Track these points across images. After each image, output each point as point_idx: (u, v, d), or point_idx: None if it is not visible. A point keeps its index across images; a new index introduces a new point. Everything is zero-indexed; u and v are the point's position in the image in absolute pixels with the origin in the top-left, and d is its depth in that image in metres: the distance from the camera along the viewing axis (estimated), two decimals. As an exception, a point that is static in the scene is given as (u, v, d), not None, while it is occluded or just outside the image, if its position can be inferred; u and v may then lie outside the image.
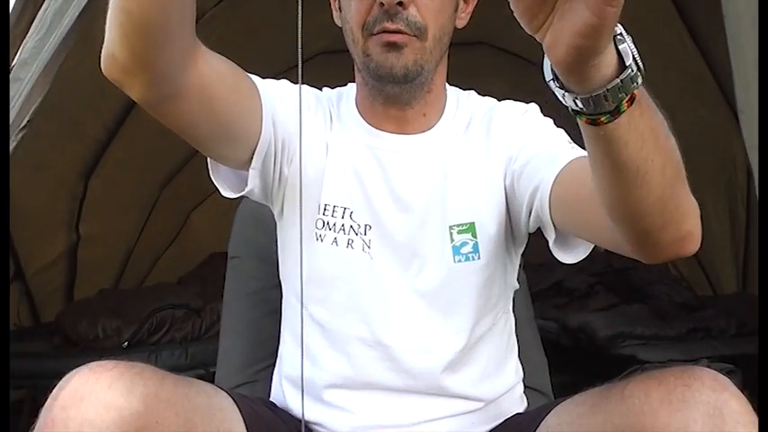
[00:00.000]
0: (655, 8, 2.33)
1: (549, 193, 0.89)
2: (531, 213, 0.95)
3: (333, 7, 1.03)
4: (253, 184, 0.96)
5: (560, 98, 0.62)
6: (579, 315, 2.38)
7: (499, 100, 1.09)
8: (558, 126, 1.02)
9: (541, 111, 1.06)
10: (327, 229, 0.99)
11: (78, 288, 2.73)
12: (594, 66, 0.58)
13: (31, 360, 2.10)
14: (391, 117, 1.02)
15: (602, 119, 0.62)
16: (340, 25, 1.01)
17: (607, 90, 0.60)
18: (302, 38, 0.69)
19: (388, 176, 1.01)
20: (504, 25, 2.77)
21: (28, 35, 1.56)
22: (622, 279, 2.76)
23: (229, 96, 0.87)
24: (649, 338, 2.17)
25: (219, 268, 3.39)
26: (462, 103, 1.06)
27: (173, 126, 0.86)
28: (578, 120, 0.64)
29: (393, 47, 0.94)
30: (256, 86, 0.92)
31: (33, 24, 1.56)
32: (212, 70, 0.84)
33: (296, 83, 0.91)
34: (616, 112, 0.61)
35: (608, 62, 0.59)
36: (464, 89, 1.10)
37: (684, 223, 0.73)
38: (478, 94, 1.10)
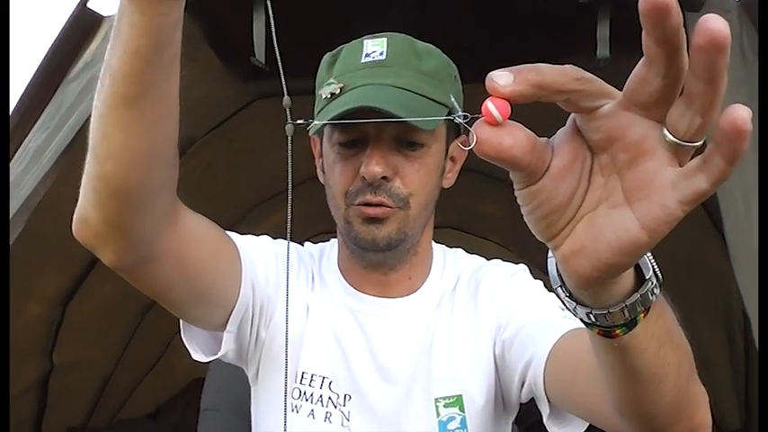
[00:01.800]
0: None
1: (543, 368, 0.83)
2: (523, 386, 0.89)
3: (317, 164, 1.01)
4: (227, 347, 0.91)
5: (570, 310, 0.55)
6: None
7: (487, 258, 1.06)
8: (549, 290, 0.97)
9: (530, 270, 1.02)
10: (304, 399, 0.94)
11: (48, 419, 2.59)
12: (616, 280, 0.50)
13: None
14: (374, 281, 0.98)
15: (617, 332, 0.54)
16: (323, 183, 0.99)
17: (626, 305, 0.52)
18: (291, 210, 0.65)
19: (371, 343, 0.96)
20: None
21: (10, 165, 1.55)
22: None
23: (208, 260, 0.84)
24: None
25: (199, 396, 3.26)
26: (449, 263, 1.03)
27: (144, 289, 0.82)
28: (589, 330, 0.56)
29: (374, 221, 0.91)
30: (236, 248, 0.89)
31: (16, 155, 1.55)
32: (191, 233, 0.81)
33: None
34: (633, 324, 0.54)
35: (628, 273, 0.52)
36: (453, 247, 1.07)
37: (696, 416, 0.67)
38: (466, 251, 1.07)
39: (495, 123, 0.43)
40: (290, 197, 0.58)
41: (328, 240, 1.07)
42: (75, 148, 1.46)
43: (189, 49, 2.00)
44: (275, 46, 0.60)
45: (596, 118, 0.43)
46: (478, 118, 0.44)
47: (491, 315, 0.96)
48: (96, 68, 1.54)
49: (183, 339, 0.93)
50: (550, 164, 0.44)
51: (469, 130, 0.44)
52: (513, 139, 0.42)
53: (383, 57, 0.91)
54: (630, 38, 1.62)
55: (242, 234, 0.96)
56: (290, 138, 0.55)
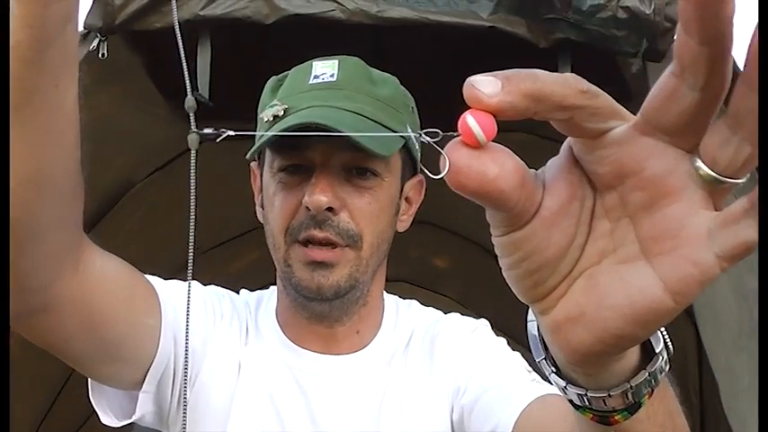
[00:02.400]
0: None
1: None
2: None
3: (256, 201, 0.91)
4: (144, 409, 0.80)
5: (558, 389, 0.44)
6: None
7: (446, 312, 0.96)
8: (512, 348, 0.88)
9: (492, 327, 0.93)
10: None
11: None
12: (620, 356, 0.40)
13: None
14: (317, 335, 0.87)
15: (616, 417, 0.43)
16: (262, 222, 0.88)
17: (631, 387, 0.41)
18: (194, 241, 0.56)
19: (311, 407, 0.85)
20: (450, 206, 2.70)
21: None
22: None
23: (119, 309, 0.74)
24: None
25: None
26: (402, 316, 0.93)
27: (41, 343, 0.71)
28: (579, 413, 0.44)
29: (320, 265, 0.81)
30: (156, 296, 0.78)
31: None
32: (99, 278, 0.70)
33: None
34: (635, 408, 0.43)
35: (634, 348, 0.41)
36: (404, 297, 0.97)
37: None
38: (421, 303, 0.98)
39: (476, 145, 0.33)
40: (191, 225, 0.48)
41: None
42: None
43: (131, 86, 1.91)
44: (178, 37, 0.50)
45: (603, 145, 0.34)
46: (453, 137, 0.34)
47: (448, 376, 0.86)
48: None
49: (92, 400, 0.81)
50: (541, 204, 0.35)
51: (441, 153, 0.34)
52: (499, 168, 0.33)
53: (334, 78, 0.83)
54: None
55: (170, 279, 0.85)
56: (193, 152, 0.45)
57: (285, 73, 0.88)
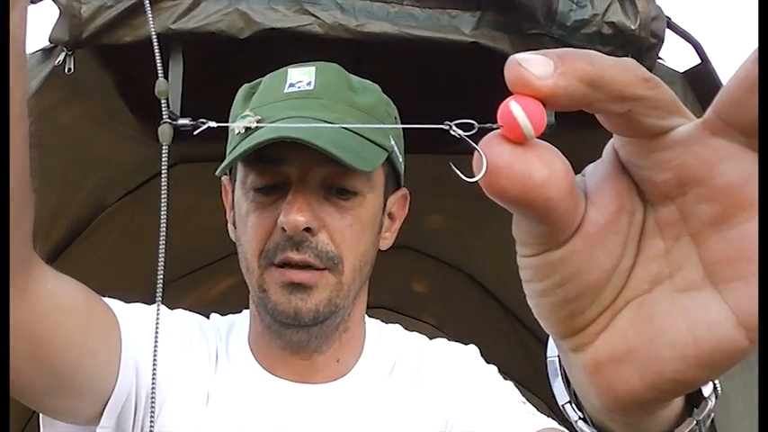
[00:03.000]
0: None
1: None
2: None
3: (228, 218, 0.85)
4: None
5: None
6: None
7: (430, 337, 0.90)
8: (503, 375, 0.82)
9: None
10: None
11: None
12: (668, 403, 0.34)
13: None
14: (293, 365, 0.81)
15: None
16: (234, 240, 0.82)
17: None
18: (165, 249, 0.50)
19: None
20: (430, 231, 2.64)
21: None
22: None
23: (73, 338, 0.67)
24: None
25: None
26: (385, 341, 0.86)
27: None
28: None
29: (298, 288, 0.74)
30: (116, 321, 0.72)
31: None
32: (50, 301, 0.64)
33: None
34: None
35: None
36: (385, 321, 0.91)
37: None
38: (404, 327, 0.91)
39: (521, 140, 0.27)
40: (162, 232, 0.42)
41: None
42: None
43: (100, 103, 1.83)
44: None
45: (664, 146, 0.28)
46: (491, 129, 0.27)
47: (436, 407, 0.80)
48: None
49: None
50: (584, 218, 0.29)
51: (476, 149, 0.27)
52: (548, 170, 0.27)
53: (311, 87, 0.77)
54: (565, 115, 1.54)
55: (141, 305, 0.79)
56: (165, 146, 0.39)
57: (258, 80, 0.82)
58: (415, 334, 0.90)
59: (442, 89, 1.85)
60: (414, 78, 1.79)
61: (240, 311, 0.90)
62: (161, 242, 0.43)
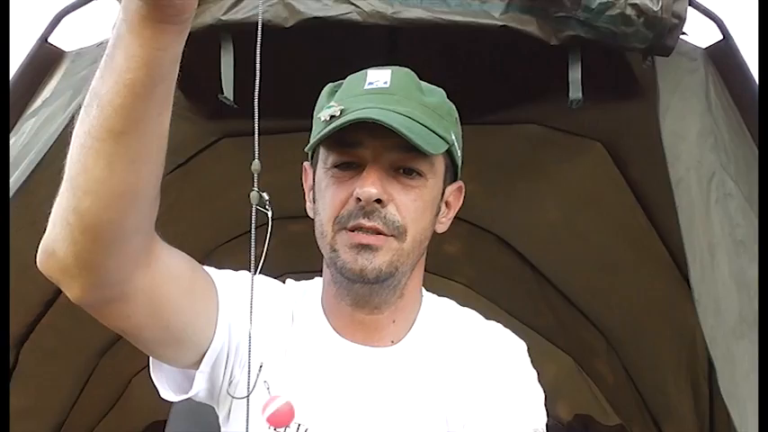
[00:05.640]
0: (609, 186, 2.40)
1: None
2: None
3: (307, 198, 0.98)
4: (199, 387, 0.89)
5: None
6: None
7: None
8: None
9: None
10: None
11: (-1, 467, 2.49)
12: None
13: None
14: (358, 322, 0.94)
15: None
16: (312, 217, 0.95)
17: None
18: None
19: (350, 393, 0.92)
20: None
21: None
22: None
23: (182, 299, 0.82)
24: None
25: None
26: (438, 315, 0.99)
27: (112, 327, 0.80)
28: None
29: (366, 249, 0.87)
30: (215, 286, 0.86)
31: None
32: (166, 271, 0.79)
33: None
34: None
35: None
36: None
37: None
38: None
39: None
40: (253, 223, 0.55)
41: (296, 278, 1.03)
42: (31, 186, 1.42)
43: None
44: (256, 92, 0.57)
45: None
46: None
47: (469, 394, 0.92)
48: (55, 105, 1.50)
49: (152, 377, 0.90)
50: None
51: None
52: None
53: (387, 85, 0.90)
54: (601, 80, 1.62)
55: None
56: (253, 210, 0.51)
57: (340, 81, 0.95)
58: (468, 310, 1.02)
59: (472, 70, 1.94)
60: (446, 60, 1.88)
61: (277, 276, 1.02)
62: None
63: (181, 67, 1.85)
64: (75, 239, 0.70)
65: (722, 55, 1.60)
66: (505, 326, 3.47)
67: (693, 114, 1.51)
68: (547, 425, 2.89)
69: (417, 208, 0.90)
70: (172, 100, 0.69)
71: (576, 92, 1.49)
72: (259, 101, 0.65)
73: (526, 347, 0.98)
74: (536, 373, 0.96)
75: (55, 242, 0.71)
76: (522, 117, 2.34)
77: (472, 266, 3.68)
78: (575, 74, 1.48)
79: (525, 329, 3.64)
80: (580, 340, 3.38)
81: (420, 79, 0.96)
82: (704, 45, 1.62)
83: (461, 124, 0.99)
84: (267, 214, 0.67)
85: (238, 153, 2.57)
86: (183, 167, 2.36)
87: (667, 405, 2.79)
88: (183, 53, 1.75)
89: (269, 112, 2.30)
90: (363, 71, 0.94)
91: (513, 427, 0.89)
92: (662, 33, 1.48)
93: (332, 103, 0.89)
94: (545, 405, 0.92)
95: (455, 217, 3.28)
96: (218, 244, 3.01)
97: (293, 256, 1.69)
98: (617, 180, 2.38)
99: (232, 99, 1.49)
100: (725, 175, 1.49)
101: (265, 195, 0.54)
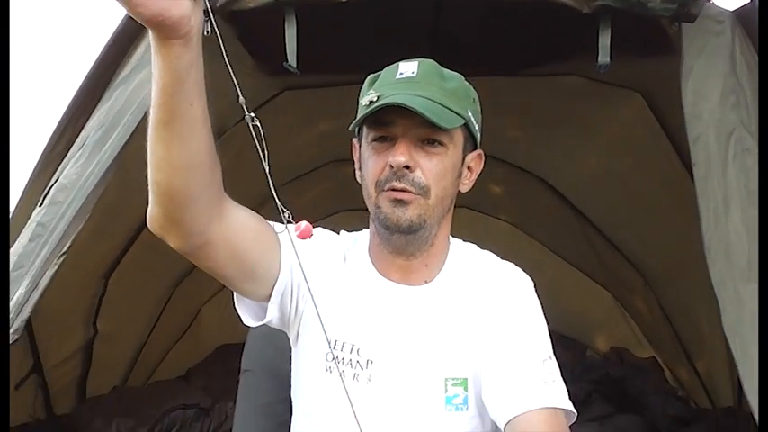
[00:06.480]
0: (648, 134, 2.52)
1: (503, 427, 1.02)
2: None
3: (356, 167, 1.18)
4: (272, 315, 1.09)
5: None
6: (573, 428, 2.44)
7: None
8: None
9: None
10: (336, 362, 1.11)
11: (91, 381, 2.83)
12: None
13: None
14: (397, 266, 1.14)
15: None
16: (360, 181, 1.15)
17: None
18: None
19: (393, 321, 1.12)
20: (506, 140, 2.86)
21: (66, 159, 1.73)
22: (619, 388, 2.82)
23: (251, 244, 1.02)
24: (640, 452, 2.22)
25: (225, 361, 3.50)
26: (463, 258, 1.18)
27: (204, 268, 1.01)
28: None
29: (399, 203, 1.07)
30: (276, 236, 1.06)
31: (72, 150, 1.73)
32: (235, 222, 0.99)
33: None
34: None
35: None
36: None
37: None
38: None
39: None
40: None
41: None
42: (130, 148, 1.63)
43: (227, 50, 2.16)
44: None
45: None
46: None
47: (490, 321, 1.11)
48: (142, 74, 1.71)
49: (236, 308, 1.11)
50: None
51: None
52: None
53: (414, 75, 1.09)
54: (635, 39, 1.72)
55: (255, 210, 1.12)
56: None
57: (379, 72, 1.15)
58: (487, 252, 1.21)
59: (513, 30, 2.05)
60: (489, 22, 2.00)
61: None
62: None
63: (248, 33, 2.04)
64: (160, 203, 0.91)
65: (749, 17, 1.64)
66: (548, 263, 3.71)
67: (717, 75, 1.60)
68: (585, 355, 3.14)
69: (439, 171, 1.08)
70: (200, 93, 0.87)
71: (604, 56, 1.60)
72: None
73: (533, 284, 1.18)
74: (541, 307, 1.15)
75: (152, 208, 0.93)
76: (563, 69, 2.44)
77: (515, 206, 3.83)
78: (604, 40, 1.59)
79: (567, 266, 3.81)
80: (619, 278, 3.52)
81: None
82: (731, 8, 1.68)
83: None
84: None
85: (297, 104, 2.77)
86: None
87: (701, 343, 2.93)
88: (248, 23, 1.94)
89: (329, 68, 2.51)
90: (396, 64, 1.12)
91: (524, 352, 1.08)
92: (686, 2, 1.58)
93: (371, 91, 1.08)
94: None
95: (500, 160, 3.41)
96: (282, 184, 3.22)
97: (347, 195, 1.87)
98: (655, 128, 2.48)
99: (295, 66, 1.66)
100: (744, 132, 1.57)
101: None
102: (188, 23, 0.79)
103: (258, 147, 0.84)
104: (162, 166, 0.88)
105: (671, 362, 3.32)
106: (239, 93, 0.83)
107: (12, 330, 1.52)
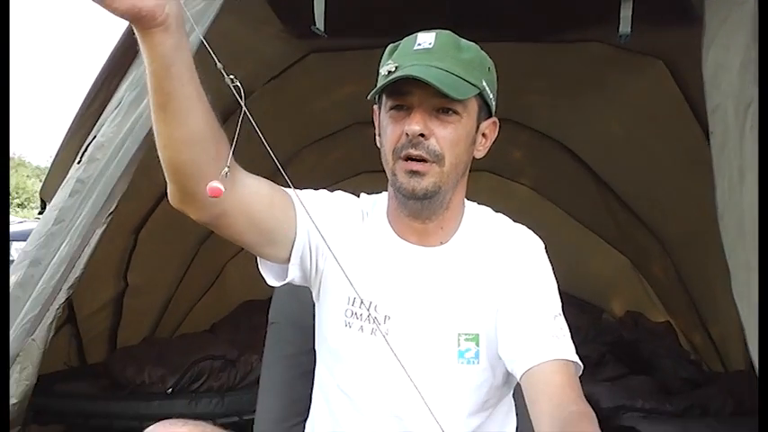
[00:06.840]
0: (669, 102, 2.54)
1: (519, 376, 1.07)
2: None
3: (376, 133, 1.22)
4: (293, 274, 1.15)
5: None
6: (586, 386, 2.51)
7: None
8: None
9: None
10: (355, 318, 1.17)
11: (121, 332, 2.95)
12: None
13: (81, 400, 2.30)
14: (413, 228, 1.19)
15: None
16: (380, 147, 1.19)
17: None
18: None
19: (410, 278, 1.18)
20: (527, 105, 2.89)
21: (102, 117, 1.79)
22: (632, 351, 2.88)
23: (266, 210, 1.07)
24: (649, 411, 2.29)
25: (250, 316, 3.60)
26: (477, 220, 1.23)
27: (225, 236, 1.07)
28: None
29: (415, 174, 1.11)
30: (291, 201, 1.11)
31: (107, 109, 1.78)
32: (248, 191, 1.03)
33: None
34: None
35: None
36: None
37: None
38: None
39: None
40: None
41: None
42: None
43: (254, 14, 2.22)
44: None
45: None
46: None
47: (503, 281, 1.15)
48: None
49: (260, 270, 1.17)
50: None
51: None
52: None
53: (431, 46, 1.12)
54: (653, 15, 1.73)
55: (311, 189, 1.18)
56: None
57: (398, 42, 1.18)
58: (501, 215, 1.26)
59: (536, 8, 2.07)
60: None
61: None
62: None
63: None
64: (173, 180, 0.96)
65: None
66: (567, 227, 3.76)
67: (738, 46, 1.60)
68: (601, 318, 3.18)
69: (453, 139, 1.11)
70: (191, 72, 0.91)
71: (625, 27, 1.61)
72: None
73: (544, 246, 1.22)
74: (550, 266, 1.20)
75: (169, 186, 0.99)
76: (587, 36, 2.45)
77: (536, 170, 3.85)
78: (626, 11, 1.60)
79: (585, 231, 3.85)
80: (637, 244, 3.55)
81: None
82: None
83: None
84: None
85: (323, 66, 2.81)
86: (276, 79, 2.62)
87: (715, 310, 2.97)
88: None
89: (355, 31, 2.55)
90: (414, 34, 1.14)
91: (536, 309, 1.13)
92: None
93: (389, 61, 1.11)
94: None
95: (522, 125, 3.42)
96: (307, 144, 3.32)
97: (370, 156, 1.93)
98: (676, 96, 2.50)
99: (323, 30, 1.70)
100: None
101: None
102: (162, 11, 0.84)
103: (241, 105, 0.88)
104: (167, 144, 0.94)
105: (686, 327, 3.36)
106: (216, 60, 0.86)
107: (68, 286, 1.59)
